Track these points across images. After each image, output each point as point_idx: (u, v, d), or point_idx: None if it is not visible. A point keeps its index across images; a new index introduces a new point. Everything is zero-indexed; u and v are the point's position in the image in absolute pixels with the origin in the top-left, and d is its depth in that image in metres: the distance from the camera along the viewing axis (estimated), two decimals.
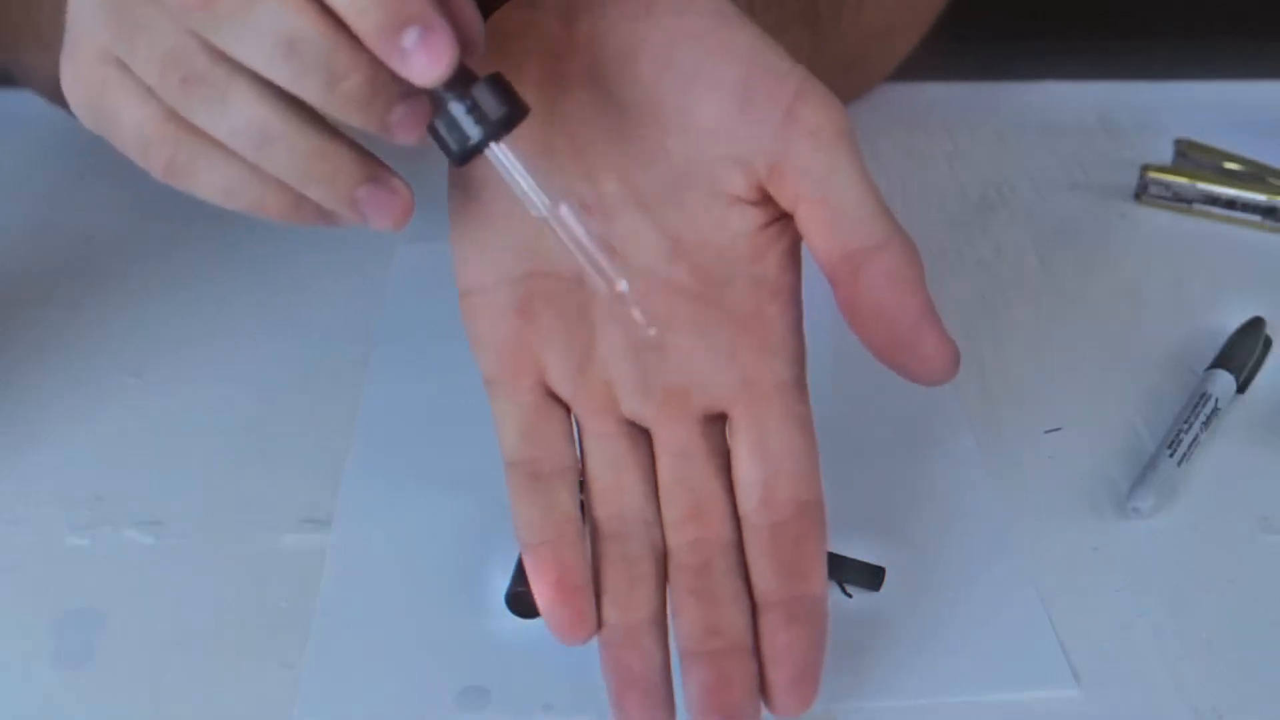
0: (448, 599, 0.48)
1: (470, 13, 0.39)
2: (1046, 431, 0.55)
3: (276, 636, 0.47)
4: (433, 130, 0.39)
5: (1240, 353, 0.58)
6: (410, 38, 0.37)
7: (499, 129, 0.39)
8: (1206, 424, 0.55)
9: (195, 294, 0.62)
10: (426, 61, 0.37)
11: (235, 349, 0.59)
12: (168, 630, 0.47)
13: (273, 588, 0.49)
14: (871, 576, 0.48)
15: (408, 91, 0.38)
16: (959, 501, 0.53)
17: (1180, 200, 0.70)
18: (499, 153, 0.40)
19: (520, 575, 0.48)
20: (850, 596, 0.49)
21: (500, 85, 0.39)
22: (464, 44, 0.39)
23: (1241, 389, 0.58)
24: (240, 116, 0.39)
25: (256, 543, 0.51)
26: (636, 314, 0.41)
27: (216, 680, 0.46)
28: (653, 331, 0.42)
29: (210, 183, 0.41)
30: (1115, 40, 0.74)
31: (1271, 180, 0.70)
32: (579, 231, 0.40)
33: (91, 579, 0.49)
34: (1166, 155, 0.72)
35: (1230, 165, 0.70)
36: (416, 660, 0.46)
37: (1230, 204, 0.69)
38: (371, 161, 0.41)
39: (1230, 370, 0.57)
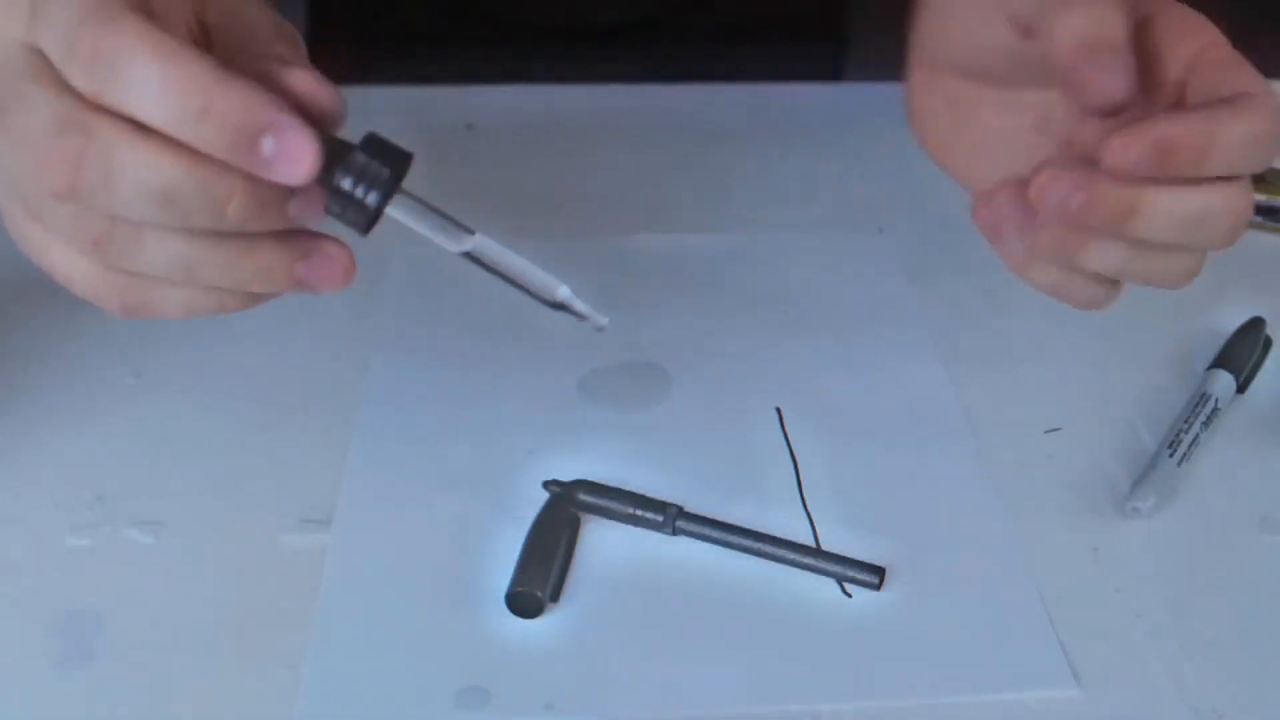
0: (448, 599, 0.48)
1: (321, 90, 0.40)
2: (1046, 431, 0.55)
3: (276, 636, 0.47)
4: (329, 210, 0.40)
5: (1240, 353, 0.58)
6: (267, 147, 0.38)
7: (390, 189, 0.40)
8: (1206, 424, 0.55)
9: None
10: (289, 165, 0.38)
11: (235, 349, 0.59)
12: (168, 630, 0.47)
13: (273, 588, 0.49)
14: (871, 576, 0.48)
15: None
16: (959, 501, 0.53)
17: None
18: (399, 210, 0.41)
19: (520, 575, 0.48)
20: (850, 596, 0.49)
21: (376, 145, 0.40)
22: (325, 118, 0.40)
23: (1241, 389, 0.58)
24: (160, 256, 0.40)
25: (256, 543, 0.51)
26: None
27: (216, 680, 0.46)
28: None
29: (168, 309, 0.43)
30: None
31: (1271, 180, 0.70)
32: (503, 254, 0.42)
33: (91, 579, 0.49)
34: None
35: None
36: (417, 660, 0.46)
37: None
38: (298, 239, 0.42)
39: (1230, 370, 0.57)
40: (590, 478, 0.52)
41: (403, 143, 0.41)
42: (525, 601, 0.47)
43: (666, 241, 0.65)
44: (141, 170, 0.38)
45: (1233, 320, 0.60)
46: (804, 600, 0.49)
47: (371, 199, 0.39)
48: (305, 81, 0.40)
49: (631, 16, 0.88)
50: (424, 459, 0.54)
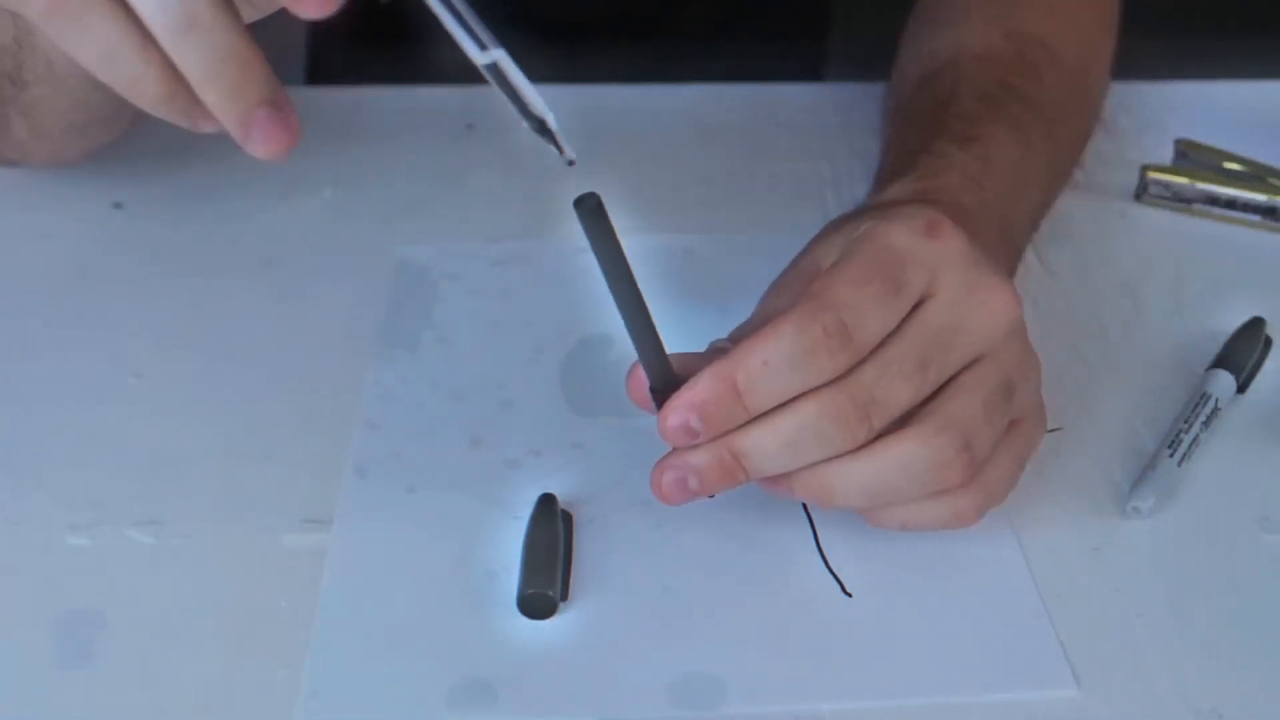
0: (448, 598, 0.48)
1: None
2: (1047, 431, 0.55)
3: (276, 636, 0.47)
4: None
5: (1240, 353, 0.58)
6: None
7: None
8: (1206, 424, 0.55)
9: (195, 294, 0.62)
10: None
11: (235, 349, 0.59)
12: (168, 630, 0.47)
13: (273, 588, 0.49)
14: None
15: None
16: None
17: (1180, 200, 0.70)
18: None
19: (531, 576, 0.48)
20: (850, 596, 0.49)
21: None
22: None
23: (1241, 389, 0.58)
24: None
25: (257, 542, 0.51)
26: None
27: (216, 680, 0.46)
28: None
29: (94, 39, 0.37)
30: (1116, 40, 0.73)
31: (1271, 180, 0.70)
32: (515, 74, 0.42)
33: (91, 579, 0.49)
34: (1166, 155, 0.72)
35: (1230, 165, 0.70)
36: (417, 660, 0.46)
37: (1230, 204, 0.69)
38: (276, 84, 0.39)
39: (1230, 370, 0.57)
40: (590, 479, 0.52)
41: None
42: (539, 603, 0.47)
43: (665, 241, 0.65)
44: None
45: (1233, 320, 0.60)
46: (804, 600, 0.49)
47: None
48: None
49: (615, 13, 0.88)
50: (424, 459, 0.54)
